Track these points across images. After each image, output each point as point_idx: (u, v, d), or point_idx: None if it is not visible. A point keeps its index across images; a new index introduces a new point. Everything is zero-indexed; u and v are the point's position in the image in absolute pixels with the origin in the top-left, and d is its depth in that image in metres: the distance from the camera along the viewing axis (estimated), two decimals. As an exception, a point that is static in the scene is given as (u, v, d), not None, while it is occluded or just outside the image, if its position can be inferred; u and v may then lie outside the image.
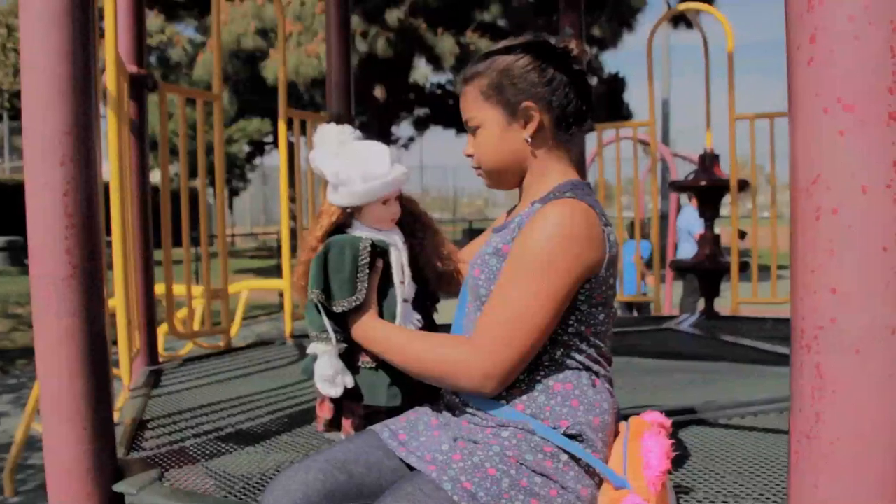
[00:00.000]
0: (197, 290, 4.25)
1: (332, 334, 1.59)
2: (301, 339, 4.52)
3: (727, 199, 6.99)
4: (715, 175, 6.58)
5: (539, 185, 1.61)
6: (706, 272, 6.58)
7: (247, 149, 26.97)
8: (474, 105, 1.61)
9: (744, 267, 6.03)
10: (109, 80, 3.12)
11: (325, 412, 1.73)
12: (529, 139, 1.57)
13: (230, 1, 14.73)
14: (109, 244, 3.24)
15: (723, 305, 6.59)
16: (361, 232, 1.68)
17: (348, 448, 1.54)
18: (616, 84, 18.05)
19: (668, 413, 2.69)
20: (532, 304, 1.44)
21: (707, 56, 6.52)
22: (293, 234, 5.37)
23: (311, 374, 1.69)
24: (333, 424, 1.73)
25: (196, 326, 4.57)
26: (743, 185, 6.04)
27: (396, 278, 1.70)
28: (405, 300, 1.71)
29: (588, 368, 1.54)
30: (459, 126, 18.80)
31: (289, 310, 4.63)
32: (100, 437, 2.02)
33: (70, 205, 1.93)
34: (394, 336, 1.62)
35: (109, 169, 3.15)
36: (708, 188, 6.55)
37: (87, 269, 1.97)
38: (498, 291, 1.49)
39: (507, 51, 1.60)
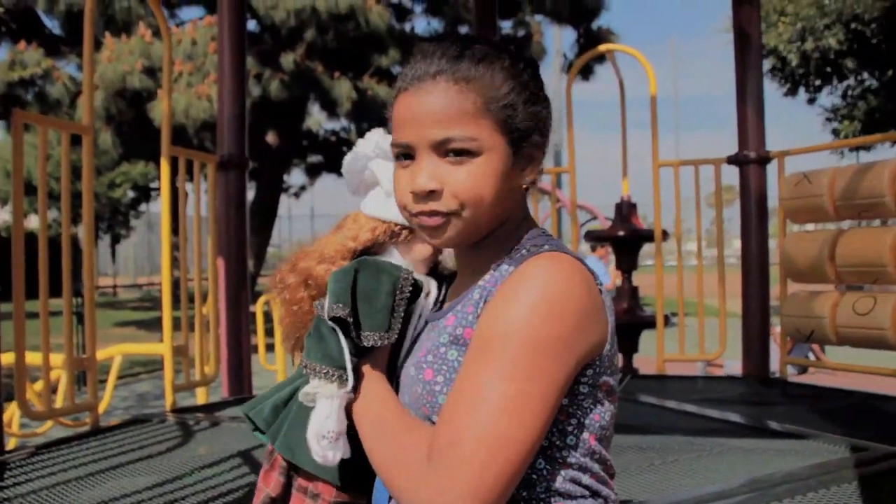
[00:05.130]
0: (57, 358, 3.57)
1: (350, 373, 1.14)
2: (184, 413, 3.87)
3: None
4: (633, 225, 6.31)
5: (503, 241, 1.12)
6: (625, 327, 6.24)
7: (131, 194, 25.90)
8: (472, 119, 1.04)
9: (666, 321, 5.71)
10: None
11: (272, 485, 1.29)
12: (527, 187, 1.13)
13: (115, 37, 13.85)
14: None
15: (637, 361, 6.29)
16: (399, 263, 1.27)
17: None
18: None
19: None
20: (518, 406, 0.97)
21: (623, 100, 6.28)
22: (176, 284, 4.73)
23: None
24: None
25: (59, 402, 3.86)
26: (664, 236, 5.75)
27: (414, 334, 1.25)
28: None
29: (596, 494, 1.08)
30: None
31: (169, 378, 3.97)
32: None
33: None
34: (391, 405, 1.12)
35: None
36: (627, 238, 6.26)
37: None
38: (461, 390, 1.00)
39: (496, 49, 1.08)
